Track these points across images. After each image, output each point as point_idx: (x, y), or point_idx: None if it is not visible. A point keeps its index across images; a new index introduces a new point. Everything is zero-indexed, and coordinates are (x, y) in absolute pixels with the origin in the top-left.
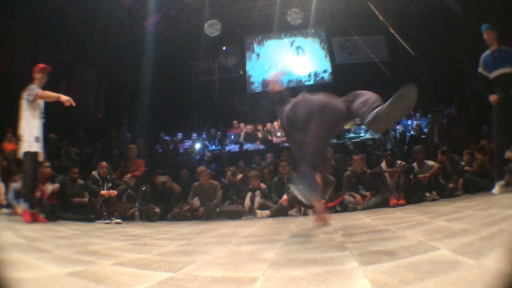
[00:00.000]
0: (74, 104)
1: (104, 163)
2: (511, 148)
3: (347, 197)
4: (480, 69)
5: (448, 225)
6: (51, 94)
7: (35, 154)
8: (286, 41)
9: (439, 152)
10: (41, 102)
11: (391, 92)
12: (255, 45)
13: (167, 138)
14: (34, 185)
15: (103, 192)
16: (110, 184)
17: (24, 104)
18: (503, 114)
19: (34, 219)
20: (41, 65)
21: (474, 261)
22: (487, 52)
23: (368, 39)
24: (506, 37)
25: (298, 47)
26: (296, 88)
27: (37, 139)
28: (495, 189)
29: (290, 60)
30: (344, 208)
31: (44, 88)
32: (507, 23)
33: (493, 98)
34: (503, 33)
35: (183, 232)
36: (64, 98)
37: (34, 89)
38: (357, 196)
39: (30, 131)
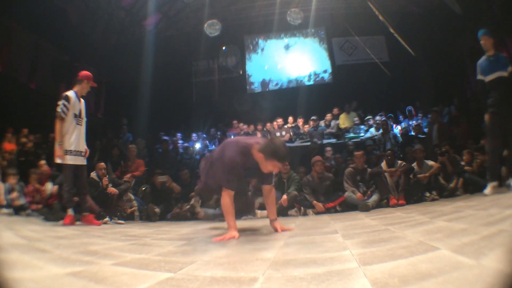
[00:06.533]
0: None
1: (102, 163)
2: (508, 147)
3: (348, 194)
4: (478, 76)
5: (448, 225)
6: (56, 135)
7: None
8: (286, 41)
9: (438, 153)
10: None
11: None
12: (260, 40)
13: (166, 138)
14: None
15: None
16: (110, 184)
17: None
18: (497, 118)
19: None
20: (91, 75)
21: (474, 261)
22: (483, 58)
23: (368, 39)
24: (502, 43)
25: (287, 46)
26: (296, 88)
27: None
28: (487, 190)
29: (289, 60)
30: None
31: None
32: (507, 23)
33: (487, 118)
34: (500, 37)
35: (183, 232)
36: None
37: (65, 108)
38: (358, 194)
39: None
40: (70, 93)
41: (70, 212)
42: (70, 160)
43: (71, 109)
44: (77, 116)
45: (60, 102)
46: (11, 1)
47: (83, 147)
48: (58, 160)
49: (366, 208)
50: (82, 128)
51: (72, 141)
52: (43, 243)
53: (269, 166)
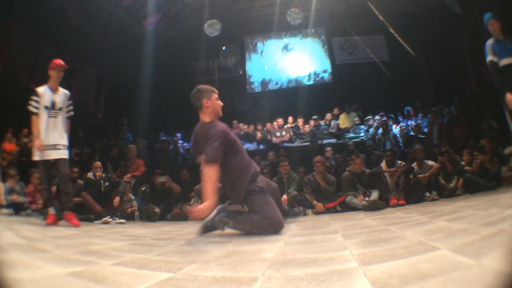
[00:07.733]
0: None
1: (98, 163)
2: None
3: (349, 199)
4: (490, 57)
5: (448, 225)
6: (33, 130)
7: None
8: (286, 41)
9: (438, 153)
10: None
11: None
12: (258, 43)
13: (167, 138)
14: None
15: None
16: (107, 183)
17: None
18: None
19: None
20: (57, 61)
21: (474, 261)
22: (491, 40)
23: (368, 39)
24: (508, 28)
25: (285, 46)
26: (296, 88)
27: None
28: None
29: (289, 60)
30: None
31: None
32: (507, 24)
33: (510, 97)
34: (505, 23)
35: (183, 232)
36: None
37: (35, 103)
38: (360, 196)
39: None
40: (40, 88)
41: (51, 211)
42: (39, 156)
43: (41, 102)
44: (49, 108)
45: (30, 98)
46: (11, 1)
47: (58, 140)
48: (35, 157)
49: (376, 205)
50: (57, 120)
51: (43, 135)
52: (43, 243)
53: (215, 102)
